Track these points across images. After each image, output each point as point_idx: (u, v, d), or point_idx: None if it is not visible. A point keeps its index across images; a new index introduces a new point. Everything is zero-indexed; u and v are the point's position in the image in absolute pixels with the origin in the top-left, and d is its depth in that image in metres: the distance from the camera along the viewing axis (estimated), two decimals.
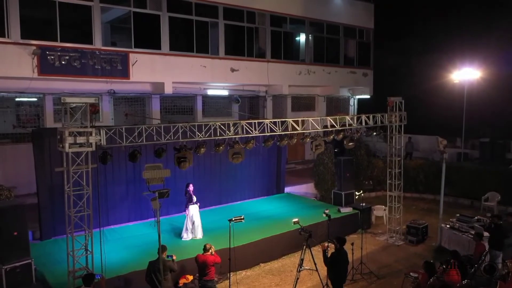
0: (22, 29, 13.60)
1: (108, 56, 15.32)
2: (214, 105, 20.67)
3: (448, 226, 12.80)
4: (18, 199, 11.57)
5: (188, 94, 19.01)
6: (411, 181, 18.32)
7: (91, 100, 7.91)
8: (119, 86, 16.56)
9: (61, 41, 14.39)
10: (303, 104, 23.34)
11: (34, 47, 13.68)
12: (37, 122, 15.75)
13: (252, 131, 10.44)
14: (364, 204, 14.68)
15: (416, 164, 19.12)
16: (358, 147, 18.46)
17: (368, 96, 25.25)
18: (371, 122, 12.61)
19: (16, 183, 13.52)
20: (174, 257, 9.25)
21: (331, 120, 11.93)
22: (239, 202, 15.55)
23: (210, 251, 9.14)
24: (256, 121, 10.64)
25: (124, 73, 15.70)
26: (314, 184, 17.74)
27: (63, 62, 14.36)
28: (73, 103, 7.93)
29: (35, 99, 15.72)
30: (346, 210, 14.43)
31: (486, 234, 11.06)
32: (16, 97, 15.27)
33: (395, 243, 13.34)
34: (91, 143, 7.88)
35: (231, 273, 9.75)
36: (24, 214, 9.16)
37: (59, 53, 14.24)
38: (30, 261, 9.04)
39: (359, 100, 26.25)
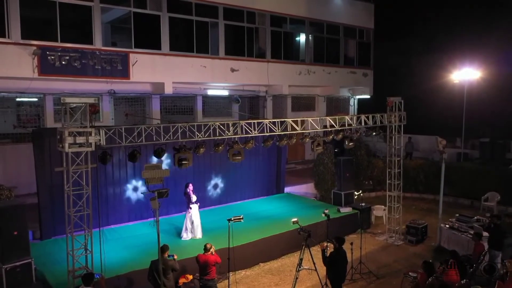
0: (22, 29, 13.63)
1: (108, 56, 15.35)
2: (214, 105, 20.69)
3: (447, 226, 12.81)
4: (19, 199, 11.61)
5: (188, 94, 19.04)
6: (411, 181, 18.34)
7: (91, 100, 7.94)
8: (119, 86, 16.60)
9: (62, 41, 14.43)
10: (303, 104, 23.36)
11: (34, 47, 13.71)
12: (38, 122, 15.78)
13: (251, 131, 10.46)
14: (363, 204, 14.73)
15: (416, 164, 19.14)
16: (358, 147, 18.48)
17: (368, 96, 25.27)
18: (370, 122, 12.63)
19: (17, 183, 13.56)
20: (176, 257, 9.29)
21: (331, 120, 11.95)
22: (239, 202, 15.57)
23: (211, 250, 9.18)
24: (255, 121, 10.66)
25: (124, 73, 15.73)
26: (314, 184, 17.76)
27: (63, 62, 14.39)
28: (73, 103, 7.96)
29: (35, 99, 15.76)
30: (346, 210, 14.45)
31: (485, 234, 11.08)
32: (17, 97, 15.30)
33: (394, 243, 13.35)
34: (90, 143, 7.91)
35: (230, 272, 9.78)
36: (24, 214, 9.18)
37: (59, 53, 14.27)
38: (30, 260, 9.07)
39: (359, 100, 26.27)
